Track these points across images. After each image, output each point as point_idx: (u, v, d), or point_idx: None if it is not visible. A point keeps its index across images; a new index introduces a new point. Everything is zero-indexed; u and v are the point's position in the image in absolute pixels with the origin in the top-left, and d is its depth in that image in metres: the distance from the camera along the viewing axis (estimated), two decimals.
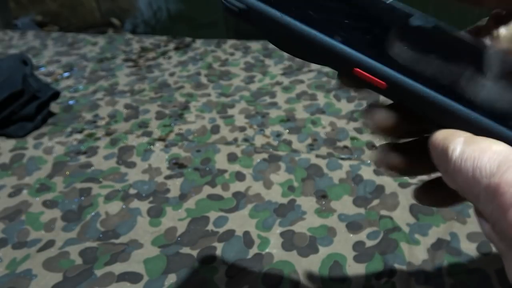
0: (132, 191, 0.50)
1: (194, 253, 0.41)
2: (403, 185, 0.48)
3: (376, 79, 0.17)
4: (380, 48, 0.18)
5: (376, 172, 0.50)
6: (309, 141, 0.56)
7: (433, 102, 0.17)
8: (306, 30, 0.17)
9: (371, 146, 0.55)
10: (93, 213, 0.47)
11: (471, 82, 0.18)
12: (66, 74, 0.78)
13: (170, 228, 0.44)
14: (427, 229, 0.42)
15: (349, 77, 0.18)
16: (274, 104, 0.65)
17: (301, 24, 0.17)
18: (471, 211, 0.44)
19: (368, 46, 0.18)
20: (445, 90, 0.17)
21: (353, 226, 0.43)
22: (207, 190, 0.49)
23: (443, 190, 0.19)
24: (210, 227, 0.44)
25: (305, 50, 0.18)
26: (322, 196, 0.47)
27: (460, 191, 0.17)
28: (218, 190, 0.49)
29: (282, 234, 0.43)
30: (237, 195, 0.48)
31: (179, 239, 0.43)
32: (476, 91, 0.17)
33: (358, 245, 0.41)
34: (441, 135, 0.17)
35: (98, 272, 0.40)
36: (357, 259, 0.40)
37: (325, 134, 0.57)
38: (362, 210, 0.45)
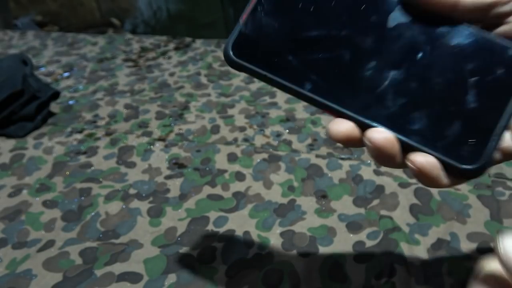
0: (132, 191, 0.50)
1: (194, 253, 0.41)
2: (403, 185, 0.48)
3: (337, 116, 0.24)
4: (342, 89, 0.24)
5: (376, 172, 0.50)
6: (309, 141, 0.56)
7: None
8: (285, 83, 0.25)
9: None
10: (93, 213, 0.47)
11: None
12: (66, 74, 0.78)
13: (170, 228, 0.44)
14: (427, 229, 0.42)
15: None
16: (274, 104, 0.65)
17: (281, 79, 0.24)
18: (471, 211, 0.44)
19: (335, 89, 0.24)
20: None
21: (353, 226, 0.43)
22: (207, 190, 0.49)
23: None
24: (210, 227, 0.44)
25: (287, 92, 0.25)
26: (322, 196, 0.47)
27: None
28: (218, 190, 0.49)
29: (282, 234, 0.43)
30: (237, 195, 0.48)
31: (179, 239, 0.43)
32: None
33: (358, 245, 0.41)
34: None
35: (98, 272, 0.40)
36: (357, 259, 0.40)
37: (325, 134, 0.57)
38: (362, 210, 0.45)
